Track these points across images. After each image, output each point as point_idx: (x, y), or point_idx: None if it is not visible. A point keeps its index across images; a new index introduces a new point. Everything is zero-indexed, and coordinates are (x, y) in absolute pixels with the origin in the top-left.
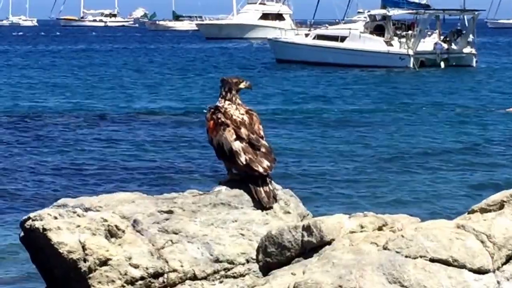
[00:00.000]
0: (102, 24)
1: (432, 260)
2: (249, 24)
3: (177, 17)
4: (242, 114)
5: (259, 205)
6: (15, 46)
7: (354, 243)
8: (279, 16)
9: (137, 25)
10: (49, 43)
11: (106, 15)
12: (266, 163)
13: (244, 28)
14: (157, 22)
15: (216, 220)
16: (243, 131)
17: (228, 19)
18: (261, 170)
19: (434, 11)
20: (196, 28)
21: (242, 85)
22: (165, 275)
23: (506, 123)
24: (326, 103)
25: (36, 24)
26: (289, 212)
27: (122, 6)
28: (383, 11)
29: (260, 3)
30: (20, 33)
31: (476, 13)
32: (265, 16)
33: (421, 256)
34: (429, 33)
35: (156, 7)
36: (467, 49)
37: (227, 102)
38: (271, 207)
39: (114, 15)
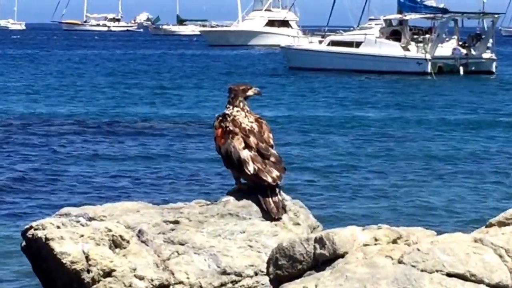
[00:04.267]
0: (105, 28)
1: (449, 275)
2: (255, 31)
3: (181, 22)
4: (251, 122)
5: (268, 216)
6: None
7: (368, 256)
8: (285, 23)
9: (141, 29)
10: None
11: (110, 19)
12: (275, 173)
13: (249, 35)
14: (161, 26)
15: (223, 231)
16: (252, 140)
17: (234, 25)
18: (270, 180)
19: (452, 14)
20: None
21: (250, 92)
22: (171, 287)
23: None
24: (341, 110)
25: (24, 28)
26: (298, 224)
27: (126, 10)
28: (399, 16)
29: (266, 10)
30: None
31: (496, 16)
32: (271, 23)
33: (437, 271)
34: (447, 38)
35: (161, 12)
36: (487, 54)
37: (235, 109)
38: (280, 218)
39: (118, 20)
